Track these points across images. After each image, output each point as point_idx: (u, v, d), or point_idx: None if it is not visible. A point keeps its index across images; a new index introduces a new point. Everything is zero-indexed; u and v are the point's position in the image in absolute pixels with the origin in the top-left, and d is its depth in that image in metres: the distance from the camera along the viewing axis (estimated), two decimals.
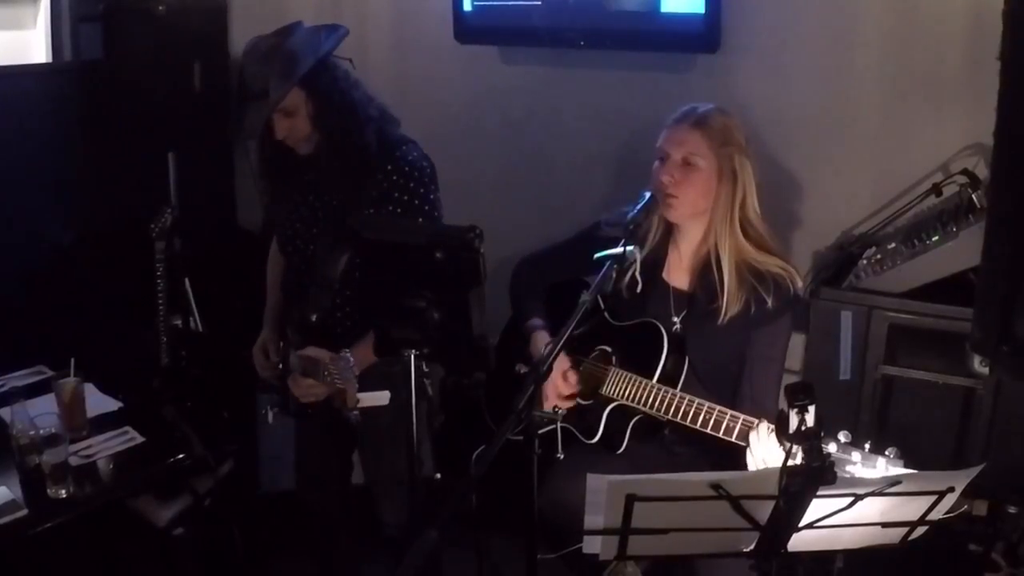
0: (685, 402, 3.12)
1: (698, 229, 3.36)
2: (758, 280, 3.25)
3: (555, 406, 3.31)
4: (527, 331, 3.60)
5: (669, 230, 3.44)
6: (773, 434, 2.88)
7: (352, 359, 3.19)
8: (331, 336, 3.51)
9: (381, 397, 3.21)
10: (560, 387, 3.38)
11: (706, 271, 3.32)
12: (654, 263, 3.41)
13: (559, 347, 2.74)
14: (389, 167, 3.51)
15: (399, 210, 3.49)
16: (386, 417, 3.54)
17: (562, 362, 3.38)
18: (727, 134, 3.28)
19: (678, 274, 3.44)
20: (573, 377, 3.41)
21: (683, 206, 3.27)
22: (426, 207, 3.54)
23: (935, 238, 3.70)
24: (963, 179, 3.71)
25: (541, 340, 3.54)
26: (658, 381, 3.22)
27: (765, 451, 2.88)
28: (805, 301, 3.80)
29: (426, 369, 2.85)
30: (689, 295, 3.39)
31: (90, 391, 3.77)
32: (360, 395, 3.18)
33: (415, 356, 2.82)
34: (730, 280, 3.25)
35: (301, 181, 3.67)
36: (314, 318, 3.20)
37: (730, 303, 3.25)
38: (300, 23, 3.55)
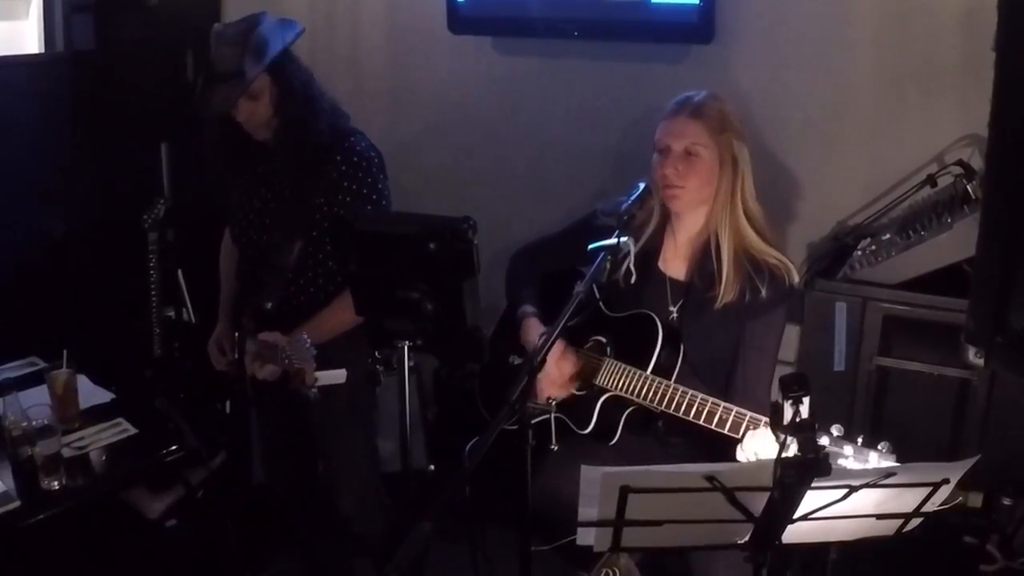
0: (679, 393, 3.11)
1: (699, 217, 3.36)
2: (755, 269, 3.25)
3: (548, 396, 3.31)
4: (518, 319, 3.60)
5: (665, 220, 3.43)
6: (765, 427, 2.88)
7: (308, 339, 3.21)
8: (286, 324, 3.52)
9: (338, 376, 3.22)
10: (554, 376, 3.37)
11: (704, 259, 3.32)
12: (650, 253, 3.41)
13: (554, 338, 2.73)
14: (338, 157, 3.56)
15: (348, 199, 3.54)
16: (342, 403, 3.58)
17: (556, 350, 3.37)
18: (724, 120, 3.28)
19: (674, 264, 3.44)
20: (569, 364, 3.40)
21: (687, 195, 3.27)
22: (373, 196, 3.58)
23: (930, 229, 3.69)
24: (958, 170, 3.71)
25: (532, 328, 3.54)
26: (652, 372, 3.22)
27: (757, 444, 2.88)
28: (800, 293, 3.79)
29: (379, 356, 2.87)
30: (686, 284, 3.39)
31: (83, 382, 3.76)
32: (318, 373, 3.19)
33: (409, 347, 2.82)
34: (728, 267, 3.25)
35: (253, 173, 3.70)
36: (269, 306, 3.21)
37: (726, 290, 3.24)
38: (265, 13, 3.57)
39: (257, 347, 3.46)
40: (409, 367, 2.94)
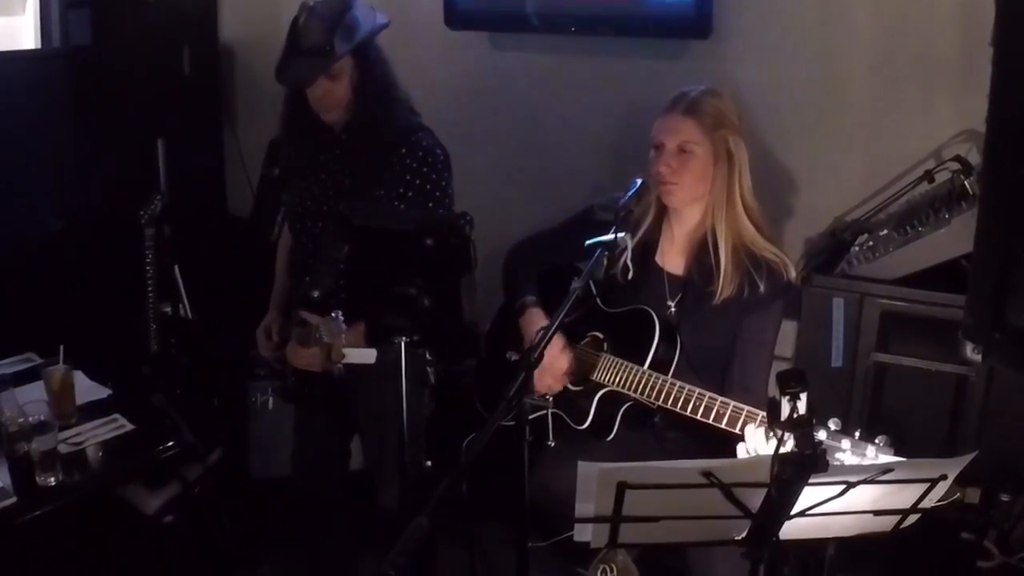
0: (676, 388, 3.11)
1: (695, 212, 3.36)
2: (753, 264, 3.25)
3: (541, 392, 3.32)
4: (519, 309, 3.59)
5: (662, 215, 3.43)
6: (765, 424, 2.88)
7: (342, 318, 3.18)
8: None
9: (367, 355, 3.18)
10: (550, 369, 3.37)
11: (702, 254, 3.32)
12: (647, 248, 3.41)
13: (551, 333, 2.73)
14: (404, 150, 3.53)
15: (410, 194, 3.51)
16: (388, 402, 3.56)
17: (555, 345, 3.37)
18: (719, 117, 3.28)
19: (672, 258, 3.44)
20: (565, 359, 3.40)
21: (682, 191, 3.27)
22: (437, 193, 3.55)
23: (927, 225, 3.68)
24: (955, 166, 3.70)
25: (534, 317, 3.54)
26: (649, 367, 3.22)
27: (759, 440, 2.88)
28: (797, 288, 3.79)
29: (429, 357, 2.84)
30: (684, 279, 3.39)
31: (79, 378, 3.75)
32: (346, 350, 3.16)
33: (406, 343, 2.81)
34: (726, 261, 3.25)
35: (315, 160, 3.68)
36: (316, 295, 3.19)
37: (725, 285, 3.24)
38: None
39: (297, 333, 3.44)
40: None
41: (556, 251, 3.63)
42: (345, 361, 3.15)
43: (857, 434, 2.57)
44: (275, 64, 3.54)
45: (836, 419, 2.60)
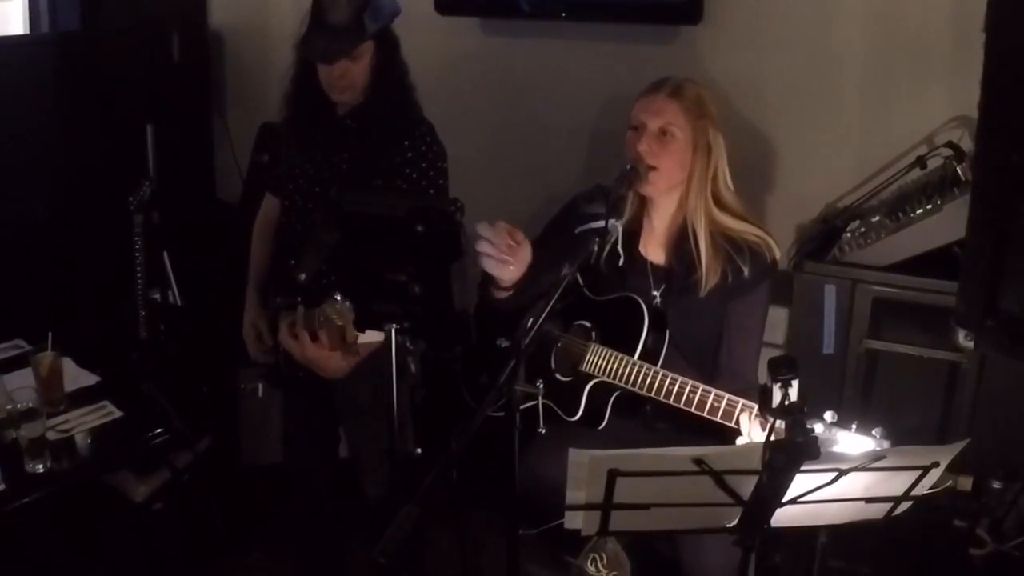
0: (668, 380, 3.10)
1: (671, 203, 3.35)
2: (735, 249, 3.25)
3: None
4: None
5: (642, 204, 3.42)
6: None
7: (346, 299, 3.14)
8: (314, 302, 3.48)
9: (376, 334, 3.15)
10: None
11: (682, 244, 3.31)
12: (630, 237, 3.39)
13: (541, 320, 2.71)
14: (406, 143, 3.51)
15: (406, 187, 3.48)
16: (366, 389, 3.54)
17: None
18: (702, 106, 3.28)
19: (653, 248, 3.42)
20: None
21: (660, 179, 3.25)
22: (432, 191, 3.52)
23: (920, 211, 3.68)
24: (948, 152, 3.70)
25: None
26: (639, 357, 3.20)
27: (756, 431, 2.87)
28: (787, 273, 3.79)
29: (410, 347, 2.82)
30: (666, 269, 3.38)
31: (68, 365, 3.73)
32: (358, 332, 3.12)
33: (396, 330, 2.80)
34: (706, 252, 3.25)
35: (313, 138, 3.65)
36: (302, 277, 3.16)
37: (709, 275, 3.24)
38: None
39: (302, 315, 3.37)
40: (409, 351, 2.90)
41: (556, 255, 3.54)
42: (360, 342, 3.11)
43: (854, 426, 2.57)
44: (297, 40, 3.48)
45: (832, 412, 2.59)
